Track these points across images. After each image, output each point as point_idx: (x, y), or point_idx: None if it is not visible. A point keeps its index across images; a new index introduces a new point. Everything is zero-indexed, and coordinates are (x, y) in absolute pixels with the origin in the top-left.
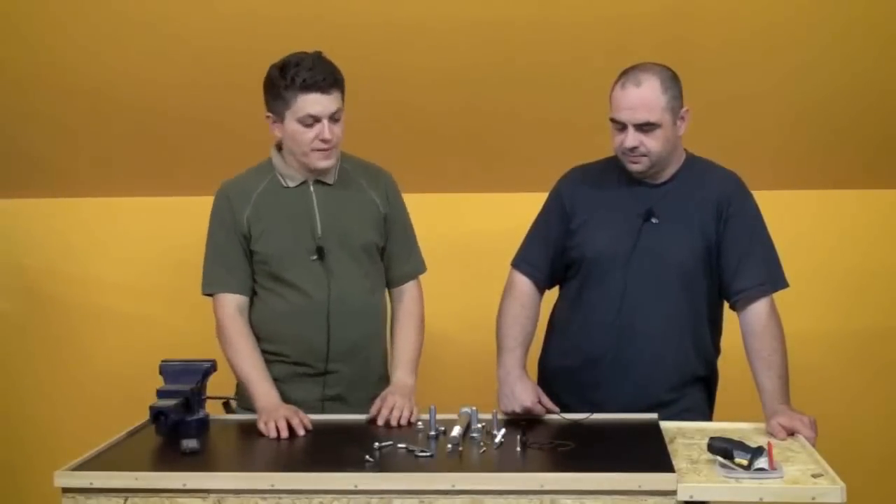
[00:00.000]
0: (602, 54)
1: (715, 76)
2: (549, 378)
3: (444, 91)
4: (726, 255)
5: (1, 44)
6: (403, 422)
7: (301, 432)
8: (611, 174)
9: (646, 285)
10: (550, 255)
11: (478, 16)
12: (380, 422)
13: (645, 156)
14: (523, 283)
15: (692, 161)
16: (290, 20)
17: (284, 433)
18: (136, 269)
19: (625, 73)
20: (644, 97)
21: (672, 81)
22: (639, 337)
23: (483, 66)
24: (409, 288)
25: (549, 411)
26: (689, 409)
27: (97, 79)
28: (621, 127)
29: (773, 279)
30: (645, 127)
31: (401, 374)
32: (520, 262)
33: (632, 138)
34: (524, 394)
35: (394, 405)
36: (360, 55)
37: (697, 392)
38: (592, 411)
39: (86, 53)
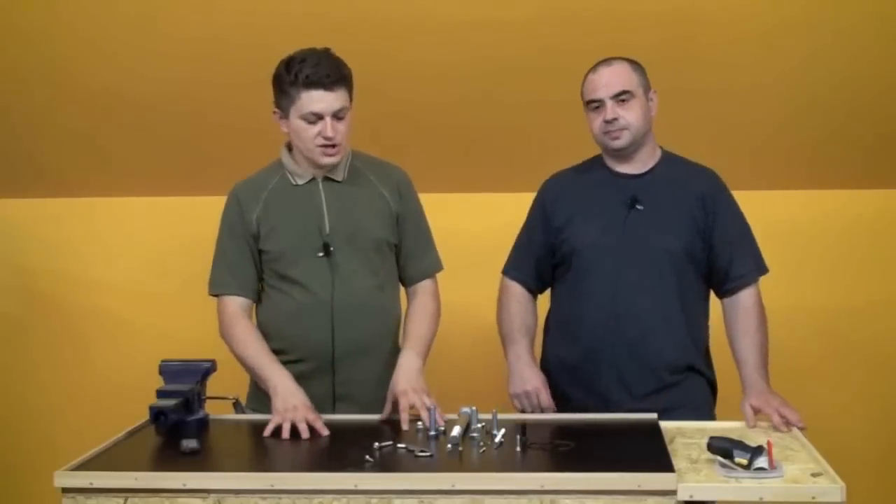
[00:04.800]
0: (607, 54)
1: (714, 75)
2: (552, 374)
3: (446, 91)
4: (719, 246)
5: (3, 44)
6: (429, 421)
7: (325, 433)
8: (590, 172)
9: (637, 271)
10: (536, 262)
11: (480, 15)
12: (405, 426)
13: (625, 129)
14: (516, 287)
15: (669, 156)
16: (295, 18)
17: (305, 434)
18: (137, 268)
19: (594, 65)
20: (616, 72)
21: (638, 66)
22: (635, 321)
23: (486, 66)
24: (424, 285)
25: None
26: (692, 390)
27: (99, 78)
28: (598, 105)
29: (759, 266)
30: (622, 96)
31: (407, 355)
32: (509, 270)
33: (611, 110)
34: (534, 377)
35: (409, 407)
36: (363, 53)
37: (697, 380)
38: (598, 402)
39: (88, 53)
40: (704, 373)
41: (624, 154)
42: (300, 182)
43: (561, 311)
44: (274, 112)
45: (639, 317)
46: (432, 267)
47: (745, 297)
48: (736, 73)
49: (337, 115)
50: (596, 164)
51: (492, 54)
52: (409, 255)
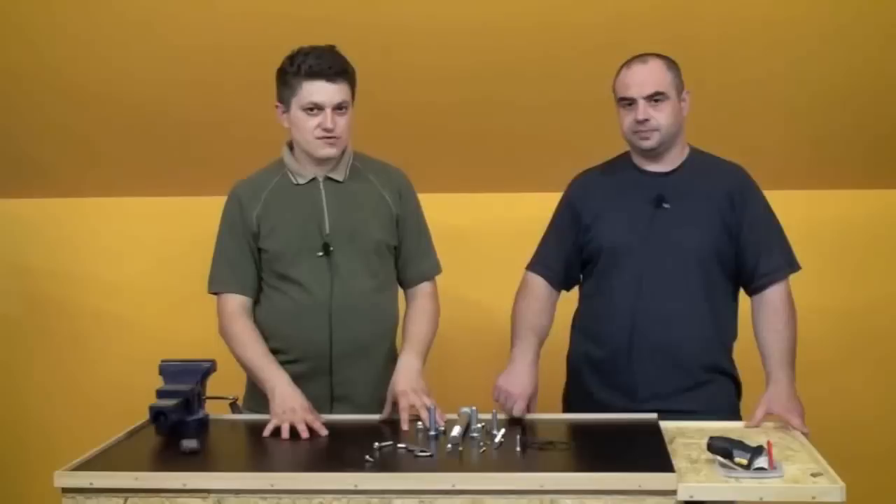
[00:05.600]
0: (607, 54)
1: (714, 76)
2: (578, 371)
3: (447, 93)
4: (748, 241)
5: (3, 45)
6: (429, 421)
7: (324, 433)
8: (618, 171)
9: (663, 269)
10: (564, 257)
11: (481, 18)
12: (405, 426)
13: (656, 130)
14: (537, 281)
15: (697, 153)
16: (294, 20)
17: (305, 435)
18: (136, 268)
19: (628, 60)
20: (651, 71)
21: (673, 64)
22: (661, 320)
23: (487, 69)
24: (423, 287)
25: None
26: (720, 393)
27: (99, 79)
28: (630, 104)
29: (790, 262)
30: (655, 97)
31: (406, 355)
32: (534, 265)
33: (642, 111)
34: (524, 384)
35: (409, 407)
36: (364, 56)
37: (724, 382)
38: (624, 401)
39: (87, 54)
40: (731, 373)
41: (653, 154)
42: (301, 181)
43: (588, 310)
44: (276, 106)
45: (665, 315)
46: (431, 270)
47: (773, 294)
48: (735, 73)
49: (338, 108)
50: (624, 161)
51: (492, 58)
52: (408, 257)
